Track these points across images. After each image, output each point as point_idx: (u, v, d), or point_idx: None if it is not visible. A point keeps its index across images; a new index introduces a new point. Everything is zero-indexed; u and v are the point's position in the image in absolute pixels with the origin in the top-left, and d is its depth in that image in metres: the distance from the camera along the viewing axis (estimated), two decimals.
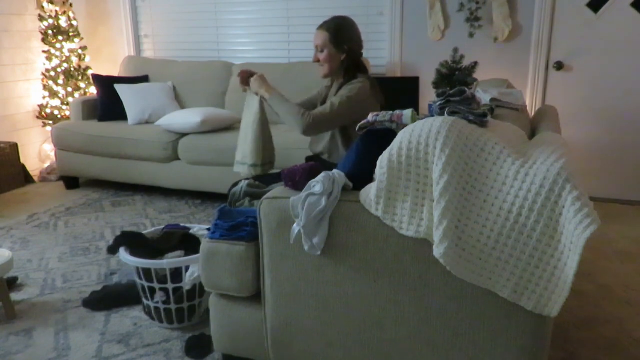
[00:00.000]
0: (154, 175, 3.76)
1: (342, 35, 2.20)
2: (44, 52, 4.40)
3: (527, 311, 1.33)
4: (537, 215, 1.27)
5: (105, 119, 4.10)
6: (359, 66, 2.27)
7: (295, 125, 2.14)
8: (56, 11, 4.37)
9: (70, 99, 4.36)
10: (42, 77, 4.46)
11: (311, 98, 2.46)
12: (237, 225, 1.71)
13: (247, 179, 2.20)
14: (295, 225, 1.49)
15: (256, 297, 1.70)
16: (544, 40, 3.57)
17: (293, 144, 3.21)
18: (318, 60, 2.24)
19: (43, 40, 4.36)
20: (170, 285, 2.08)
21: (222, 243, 1.68)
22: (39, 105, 4.48)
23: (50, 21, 4.34)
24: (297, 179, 1.58)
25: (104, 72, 4.71)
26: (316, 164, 1.69)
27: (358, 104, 2.16)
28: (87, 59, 4.59)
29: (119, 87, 4.08)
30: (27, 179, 4.29)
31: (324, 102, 2.35)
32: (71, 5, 4.47)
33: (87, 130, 3.89)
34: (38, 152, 4.57)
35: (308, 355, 1.65)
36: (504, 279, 1.31)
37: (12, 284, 2.50)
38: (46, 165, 4.49)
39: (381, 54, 4.01)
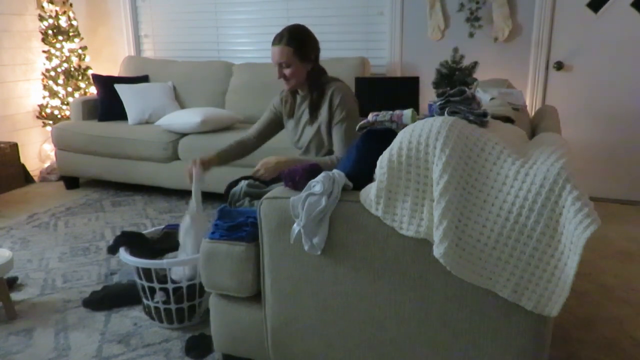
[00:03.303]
0: (154, 175, 3.76)
1: (306, 47, 2.11)
2: (44, 52, 4.40)
3: (527, 311, 1.33)
4: (537, 215, 1.27)
5: (105, 119, 4.10)
6: (320, 70, 2.20)
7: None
8: (56, 11, 4.37)
9: (70, 99, 4.36)
10: (42, 77, 4.47)
11: (264, 121, 2.37)
12: (237, 225, 1.71)
13: (247, 177, 2.20)
14: (295, 225, 1.49)
15: (256, 297, 1.70)
16: (544, 40, 3.57)
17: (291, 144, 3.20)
18: (283, 77, 2.12)
19: (43, 40, 4.36)
20: (170, 285, 2.07)
21: (222, 243, 1.68)
22: (39, 105, 4.48)
23: (50, 21, 4.34)
24: (297, 179, 1.58)
25: (104, 72, 4.71)
26: (316, 164, 1.69)
27: (354, 110, 2.16)
28: (87, 59, 4.60)
29: (119, 87, 4.08)
30: (27, 179, 4.29)
31: (291, 115, 2.27)
32: (71, 5, 4.47)
33: (87, 130, 3.89)
34: (38, 152, 4.57)
35: (308, 355, 1.65)
36: (504, 279, 1.31)
37: (12, 284, 2.50)
38: (46, 165, 4.49)
39: (381, 54, 4.01)
